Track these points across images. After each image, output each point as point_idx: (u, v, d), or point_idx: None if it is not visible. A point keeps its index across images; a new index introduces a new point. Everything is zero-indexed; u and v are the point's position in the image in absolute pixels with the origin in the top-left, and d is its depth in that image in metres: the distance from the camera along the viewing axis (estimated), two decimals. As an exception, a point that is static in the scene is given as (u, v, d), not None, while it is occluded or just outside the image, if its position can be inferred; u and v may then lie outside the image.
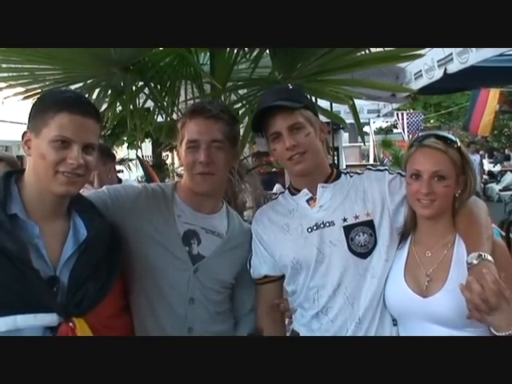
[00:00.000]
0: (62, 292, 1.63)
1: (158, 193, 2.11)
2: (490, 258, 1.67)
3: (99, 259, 1.74)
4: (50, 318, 1.58)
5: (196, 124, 2.01)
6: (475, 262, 1.66)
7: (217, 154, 2.00)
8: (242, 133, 2.96)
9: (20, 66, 2.89)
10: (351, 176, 2.11)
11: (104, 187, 2.13)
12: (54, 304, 1.60)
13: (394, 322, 2.00)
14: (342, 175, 2.11)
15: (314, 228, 2.02)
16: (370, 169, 2.17)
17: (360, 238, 1.98)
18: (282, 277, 2.15)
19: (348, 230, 1.99)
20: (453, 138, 1.92)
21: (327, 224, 2.01)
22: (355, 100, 3.19)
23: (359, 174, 2.12)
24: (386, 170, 2.12)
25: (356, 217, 2.00)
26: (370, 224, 2.00)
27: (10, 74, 2.93)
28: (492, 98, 11.00)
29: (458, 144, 1.89)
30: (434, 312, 1.79)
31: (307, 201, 2.07)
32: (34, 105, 1.72)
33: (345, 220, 2.00)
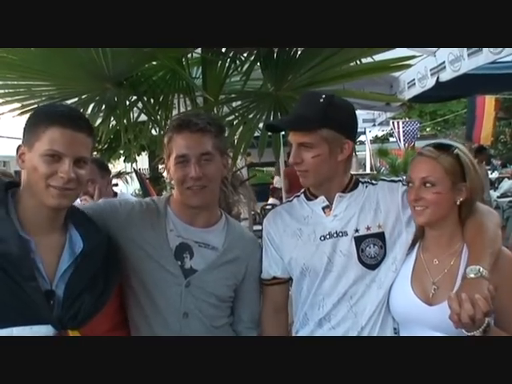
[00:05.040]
0: (58, 305, 1.64)
1: (152, 207, 2.10)
2: (486, 274, 1.67)
3: (96, 271, 1.75)
4: (45, 330, 1.59)
5: (183, 138, 1.98)
6: (472, 276, 1.67)
7: (207, 166, 1.98)
8: (235, 144, 3.00)
9: (16, 82, 2.92)
10: (366, 186, 2.11)
11: (100, 200, 2.14)
12: (50, 317, 1.61)
13: (395, 331, 2.02)
14: (360, 185, 2.11)
15: (327, 237, 2.03)
16: (384, 179, 2.18)
17: (370, 250, 2.00)
18: (290, 279, 2.15)
19: (359, 241, 2.00)
20: (452, 144, 1.92)
21: (340, 234, 2.02)
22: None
23: (373, 184, 2.13)
24: (399, 181, 2.12)
25: (368, 228, 2.01)
26: (380, 236, 2.01)
27: (6, 91, 2.96)
28: (488, 105, 11.00)
29: (455, 151, 1.88)
30: (438, 321, 1.78)
31: (323, 208, 2.07)
32: (28, 119, 1.73)
33: (357, 231, 2.01)
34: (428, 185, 1.86)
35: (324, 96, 1.99)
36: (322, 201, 2.07)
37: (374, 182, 2.15)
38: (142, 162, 11.35)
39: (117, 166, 11.61)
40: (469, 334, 1.61)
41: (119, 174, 10.96)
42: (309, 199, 2.13)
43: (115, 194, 4.27)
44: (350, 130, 2.05)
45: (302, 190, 2.19)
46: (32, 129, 1.68)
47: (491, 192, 17.35)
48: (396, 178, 2.18)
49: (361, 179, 2.16)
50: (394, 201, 2.05)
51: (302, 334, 2.11)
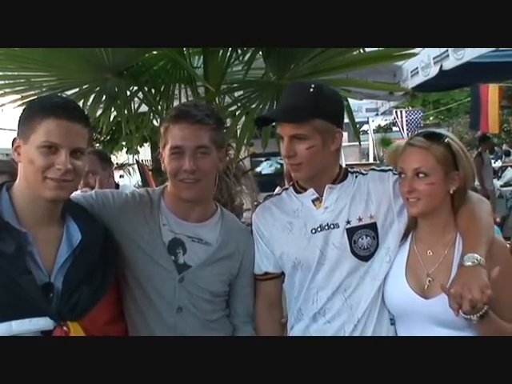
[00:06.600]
0: (56, 297, 1.64)
1: (145, 199, 2.06)
2: (483, 262, 1.67)
3: (94, 263, 1.74)
4: (44, 322, 1.59)
5: (180, 129, 1.92)
6: (470, 264, 1.68)
7: (202, 160, 1.93)
8: (238, 135, 2.99)
9: (16, 73, 2.91)
10: (356, 176, 2.09)
11: (93, 191, 2.11)
12: (48, 309, 1.61)
13: (392, 322, 2.00)
14: (349, 175, 2.08)
15: (319, 229, 2.00)
16: (374, 169, 2.14)
17: (363, 241, 1.97)
18: (283, 274, 2.12)
19: (351, 232, 1.98)
20: (442, 133, 1.91)
21: (332, 226, 2.00)
22: (354, 99, 3.20)
23: (364, 174, 2.10)
24: (390, 170, 2.09)
25: (359, 219, 1.99)
26: (373, 227, 1.99)
27: (6, 82, 2.94)
28: (492, 93, 10.94)
29: (446, 140, 1.87)
30: (436, 314, 1.79)
31: (313, 201, 2.05)
32: (22, 111, 1.72)
33: (348, 222, 1.99)
34: (421, 175, 1.85)
35: (313, 86, 1.96)
36: (311, 193, 2.04)
37: (363, 172, 2.12)
38: (145, 153, 11.32)
39: (119, 157, 11.59)
40: (465, 317, 1.64)
41: (120, 166, 10.94)
42: (298, 192, 2.10)
43: (117, 186, 4.25)
44: (340, 119, 2.04)
45: (291, 183, 2.16)
46: (27, 121, 1.67)
47: (494, 181, 17.31)
48: (386, 168, 2.14)
49: (350, 169, 2.13)
50: (385, 190, 2.03)
51: (296, 329, 2.08)
